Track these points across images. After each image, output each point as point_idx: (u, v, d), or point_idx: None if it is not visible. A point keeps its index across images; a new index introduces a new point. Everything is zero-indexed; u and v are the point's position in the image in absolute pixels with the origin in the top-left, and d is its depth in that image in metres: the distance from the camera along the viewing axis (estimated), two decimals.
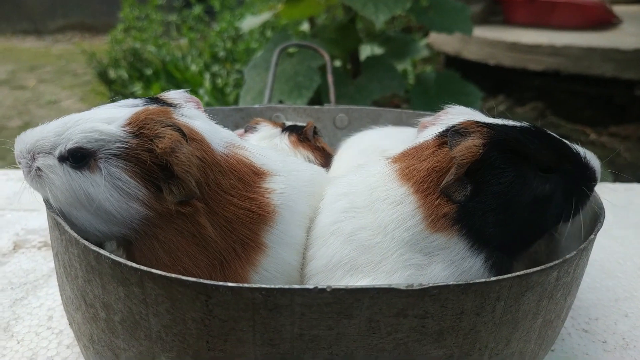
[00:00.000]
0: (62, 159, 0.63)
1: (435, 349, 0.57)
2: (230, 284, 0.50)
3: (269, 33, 4.52)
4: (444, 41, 3.98)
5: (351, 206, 0.68)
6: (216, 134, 0.67)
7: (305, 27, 3.45)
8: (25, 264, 1.00)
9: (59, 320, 0.86)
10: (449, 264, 0.63)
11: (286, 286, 0.51)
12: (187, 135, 0.62)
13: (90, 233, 0.64)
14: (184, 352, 0.56)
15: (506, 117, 0.72)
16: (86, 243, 0.56)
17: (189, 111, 0.68)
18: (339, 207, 0.68)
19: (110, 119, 0.63)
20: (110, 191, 0.61)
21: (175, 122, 0.62)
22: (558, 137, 0.70)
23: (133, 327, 0.58)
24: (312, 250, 0.68)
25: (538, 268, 0.57)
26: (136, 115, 0.63)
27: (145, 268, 0.52)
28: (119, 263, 0.54)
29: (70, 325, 0.71)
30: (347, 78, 2.39)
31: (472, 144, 0.62)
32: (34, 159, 0.64)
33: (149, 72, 4.33)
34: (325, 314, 0.52)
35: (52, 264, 1.01)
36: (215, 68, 4.32)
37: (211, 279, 0.60)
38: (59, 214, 0.64)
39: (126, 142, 0.61)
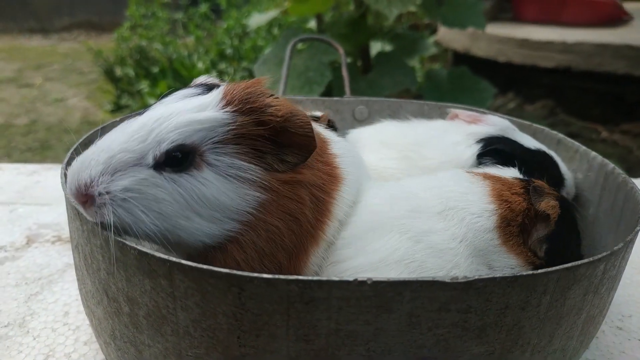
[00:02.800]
0: (158, 165, 0.55)
1: (477, 346, 0.54)
2: (265, 276, 0.48)
3: (275, 30, 4.50)
4: (453, 38, 3.94)
5: (418, 209, 0.66)
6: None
7: (312, 24, 3.43)
8: (39, 259, 0.98)
9: (76, 316, 0.83)
10: None
11: (324, 278, 0.48)
12: None
13: (194, 243, 0.58)
14: (212, 348, 0.54)
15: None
16: (109, 234, 0.54)
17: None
18: (404, 206, 0.66)
19: (200, 106, 0.57)
20: (225, 183, 0.56)
21: (272, 92, 0.60)
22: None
23: (159, 322, 0.55)
24: (358, 244, 0.63)
25: (586, 260, 0.54)
26: (231, 94, 0.58)
27: (174, 259, 0.50)
28: (146, 254, 0.51)
29: (90, 321, 0.69)
30: (358, 74, 2.36)
31: (554, 204, 0.67)
32: (112, 181, 0.54)
33: (155, 70, 4.32)
34: (364, 308, 0.49)
35: (66, 259, 0.98)
36: (222, 66, 4.30)
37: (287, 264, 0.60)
38: (147, 240, 0.57)
39: (233, 122, 0.57)
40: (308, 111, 1.10)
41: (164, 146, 0.55)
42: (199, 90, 0.63)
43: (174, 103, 0.60)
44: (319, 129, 0.70)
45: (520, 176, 0.74)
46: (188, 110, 0.57)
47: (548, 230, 0.66)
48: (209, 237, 0.58)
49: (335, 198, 0.64)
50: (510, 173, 0.75)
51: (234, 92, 0.58)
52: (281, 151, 0.59)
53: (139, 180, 0.55)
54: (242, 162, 0.57)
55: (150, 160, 0.55)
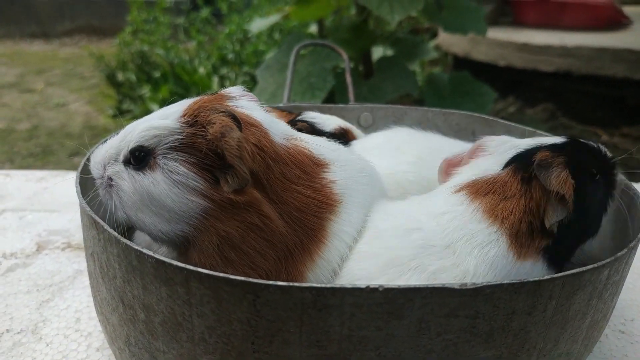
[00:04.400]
0: (126, 162, 0.64)
1: (484, 350, 0.56)
2: (280, 283, 0.49)
3: (277, 35, 4.52)
4: (453, 42, 3.96)
5: (428, 244, 0.64)
6: (275, 125, 0.66)
7: (313, 29, 3.44)
8: (50, 266, 0.99)
9: (87, 322, 0.84)
10: None
11: (337, 285, 0.49)
12: (243, 122, 0.61)
13: (155, 236, 0.63)
14: (227, 354, 0.55)
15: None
16: (128, 242, 0.55)
17: (246, 103, 0.67)
18: (416, 242, 0.64)
19: (166, 114, 0.64)
20: (170, 187, 0.61)
21: (228, 109, 0.62)
22: (587, 142, 0.74)
23: (174, 329, 0.56)
24: (380, 281, 0.62)
25: (591, 266, 0.55)
26: (190, 106, 0.63)
27: (191, 267, 0.51)
28: (163, 262, 0.52)
29: (104, 327, 0.70)
30: (359, 79, 2.38)
31: (565, 176, 0.63)
32: (105, 169, 0.65)
33: (157, 74, 4.33)
34: (376, 314, 0.51)
35: (76, 266, 1.00)
36: (224, 70, 4.32)
37: (276, 273, 0.60)
38: (121, 226, 0.64)
39: (181, 132, 0.61)
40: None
41: (130, 145, 0.63)
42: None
43: (163, 109, 0.67)
44: (321, 151, 0.69)
45: (507, 157, 0.70)
46: (154, 117, 0.64)
47: (567, 209, 0.63)
48: (163, 234, 0.63)
49: (330, 221, 0.64)
50: (493, 161, 0.71)
51: (193, 105, 0.63)
52: (227, 170, 0.60)
53: (115, 172, 0.64)
54: (187, 170, 0.61)
55: (122, 157, 0.64)
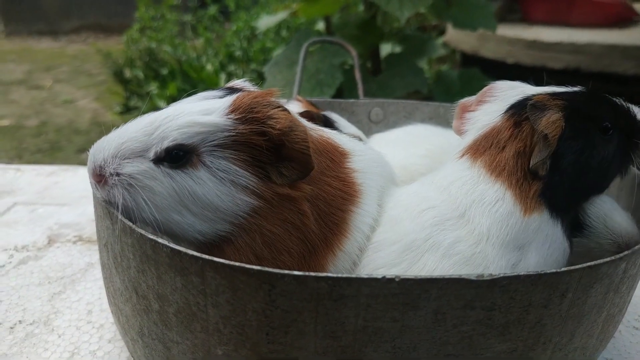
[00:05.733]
0: (158, 160, 0.59)
1: (499, 343, 0.55)
2: (295, 273, 0.49)
3: (284, 32, 4.51)
4: (461, 39, 3.94)
5: (441, 219, 0.63)
6: (299, 117, 0.66)
7: (321, 26, 3.43)
8: (62, 258, 1.00)
9: (99, 314, 0.85)
10: (543, 242, 0.62)
11: (353, 275, 0.49)
12: None
13: (188, 238, 0.61)
14: (241, 344, 0.55)
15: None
16: (142, 232, 0.55)
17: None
18: (429, 221, 0.63)
19: (207, 110, 0.60)
20: (218, 185, 0.58)
21: (281, 104, 0.61)
22: (608, 96, 0.71)
23: (189, 319, 0.56)
24: (400, 267, 0.62)
25: (608, 259, 0.55)
26: (239, 102, 0.60)
27: (207, 257, 0.51)
28: (179, 252, 0.52)
29: (117, 318, 0.70)
30: (368, 76, 2.37)
31: (556, 118, 0.62)
32: (120, 165, 0.59)
33: (164, 71, 4.33)
34: (391, 305, 0.51)
35: (87, 259, 1.00)
36: (231, 67, 4.32)
37: (298, 268, 0.59)
38: (147, 226, 0.60)
39: (233, 129, 0.59)
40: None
41: (166, 143, 0.58)
42: (221, 93, 0.65)
43: (187, 104, 0.63)
44: (342, 140, 0.69)
45: (509, 103, 0.68)
46: (195, 112, 0.60)
47: (549, 149, 0.62)
48: (201, 234, 0.60)
49: (352, 213, 0.64)
50: (495, 108, 0.69)
51: (242, 100, 0.60)
52: (281, 164, 0.59)
53: (141, 170, 0.58)
54: (238, 168, 0.59)
55: (152, 154, 0.59)
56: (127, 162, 0.59)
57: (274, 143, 0.59)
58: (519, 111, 0.66)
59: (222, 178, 0.58)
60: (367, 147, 0.73)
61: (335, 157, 0.66)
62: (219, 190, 0.58)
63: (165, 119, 0.59)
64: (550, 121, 0.62)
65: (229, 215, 0.59)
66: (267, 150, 0.59)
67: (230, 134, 0.59)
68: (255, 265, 0.50)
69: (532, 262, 0.62)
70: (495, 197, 0.63)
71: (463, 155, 0.69)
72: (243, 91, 0.65)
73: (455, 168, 0.68)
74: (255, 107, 0.59)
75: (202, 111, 0.60)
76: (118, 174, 0.59)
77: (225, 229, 0.60)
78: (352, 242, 0.63)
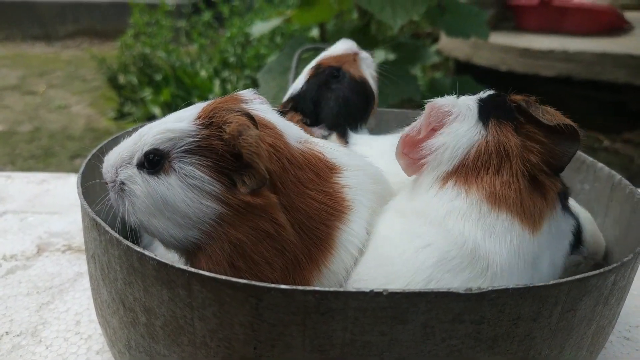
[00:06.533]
0: (140, 165, 0.62)
1: (489, 356, 0.55)
2: (282, 286, 0.49)
3: (278, 39, 4.52)
4: (455, 47, 3.96)
5: (442, 258, 0.58)
6: (289, 128, 0.66)
7: (315, 33, 3.44)
8: (50, 268, 0.99)
9: (87, 325, 0.84)
10: (551, 244, 0.62)
11: (340, 289, 0.49)
12: (257, 122, 0.60)
13: (166, 242, 0.62)
14: (228, 358, 0.54)
15: None
16: (129, 244, 0.55)
17: (260, 106, 0.66)
18: (427, 262, 0.58)
19: (181, 117, 0.63)
20: (185, 191, 0.59)
21: (243, 109, 0.61)
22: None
23: (176, 332, 0.56)
24: None
25: (597, 271, 0.55)
26: (205, 108, 0.62)
27: (193, 270, 0.51)
28: (165, 264, 0.52)
29: (104, 330, 0.70)
30: None
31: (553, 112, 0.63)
32: (117, 173, 0.63)
33: (158, 77, 4.33)
34: (380, 319, 0.50)
35: (76, 268, 0.99)
36: (225, 74, 4.32)
37: (283, 283, 0.57)
38: (135, 229, 0.64)
39: (197, 134, 0.60)
40: None
41: (145, 148, 0.62)
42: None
43: (177, 112, 0.66)
44: (334, 154, 0.68)
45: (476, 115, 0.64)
46: (170, 120, 0.63)
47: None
48: (175, 240, 0.61)
49: (338, 229, 0.63)
50: (467, 126, 0.64)
51: (208, 107, 0.62)
52: (244, 171, 0.59)
53: (128, 176, 0.63)
54: (203, 175, 0.60)
55: (135, 160, 0.63)
56: (121, 170, 0.63)
57: (231, 148, 0.59)
58: (510, 117, 0.63)
59: (189, 184, 0.60)
60: (364, 162, 0.72)
61: (322, 171, 0.65)
62: (186, 196, 0.59)
63: (149, 128, 0.63)
64: (553, 114, 0.62)
65: (196, 221, 0.60)
66: (231, 157, 0.59)
67: (195, 139, 0.60)
68: (233, 275, 0.50)
69: (545, 266, 0.61)
70: (505, 228, 0.58)
71: (446, 182, 0.62)
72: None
73: (442, 198, 0.61)
74: (216, 113, 0.61)
75: (176, 119, 0.63)
76: (113, 181, 0.64)
77: (194, 236, 0.60)
78: (337, 261, 0.62)
